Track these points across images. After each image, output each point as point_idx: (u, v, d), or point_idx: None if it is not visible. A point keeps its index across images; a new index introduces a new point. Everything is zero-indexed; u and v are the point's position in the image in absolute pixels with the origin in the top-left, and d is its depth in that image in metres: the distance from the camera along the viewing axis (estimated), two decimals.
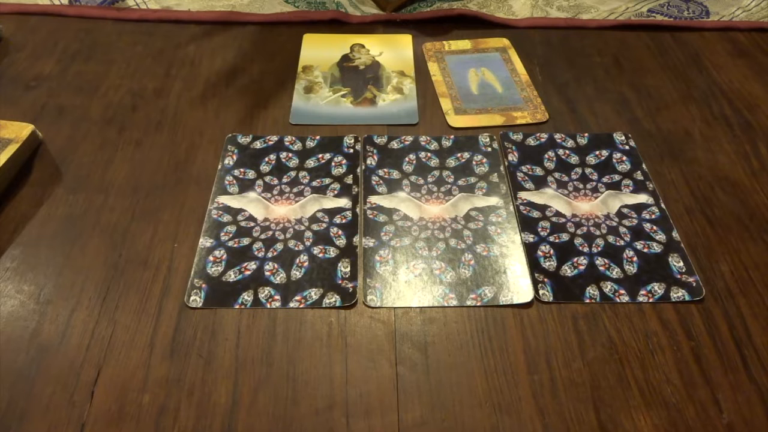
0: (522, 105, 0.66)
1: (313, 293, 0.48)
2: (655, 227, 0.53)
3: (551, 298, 0.48)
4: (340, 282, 0.49)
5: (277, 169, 0.58)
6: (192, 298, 0.47)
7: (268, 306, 0.47)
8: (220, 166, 0.58)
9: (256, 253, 0.51)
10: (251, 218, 0.53)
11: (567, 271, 0.49)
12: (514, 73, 0.70)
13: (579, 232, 0.53)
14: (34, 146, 0.59)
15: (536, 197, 0.55)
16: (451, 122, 0.63)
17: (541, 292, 0.48)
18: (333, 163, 0.59)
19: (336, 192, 0.56)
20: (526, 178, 0.57)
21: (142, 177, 0.57)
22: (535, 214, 0.54)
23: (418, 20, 0.78)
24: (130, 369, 0.43)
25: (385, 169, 0.58)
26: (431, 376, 0.43)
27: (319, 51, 0.73)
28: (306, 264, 0.50)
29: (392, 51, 0.73)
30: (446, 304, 0.47)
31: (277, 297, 0.48)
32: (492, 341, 0.45)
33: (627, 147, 0.60)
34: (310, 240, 0.52)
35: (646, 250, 0.51)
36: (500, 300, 0.47)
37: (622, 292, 0.48)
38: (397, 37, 0.75)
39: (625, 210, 0.54)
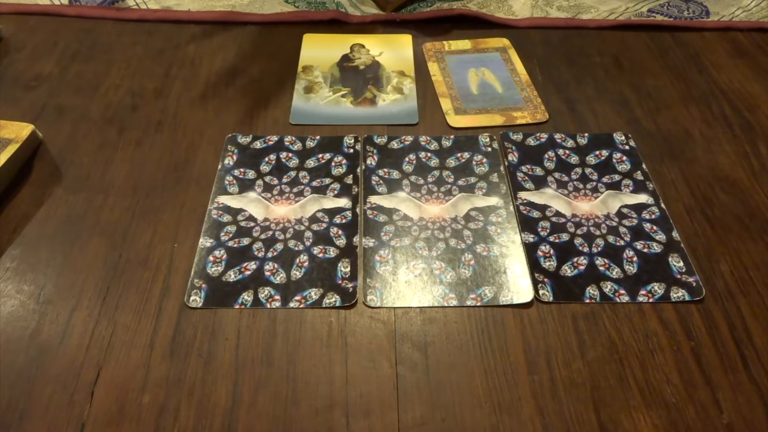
0: (522, 105, 0.66)
1: (313, 293, 0.48)
2: (655, 227, 0.53)
3: (551, 298, 0.48)
4: (340, 282, 0.49)
5: (277, 169, 0.58)
6: (192, 298, 0.47)
7: (268, 306, 0.47)
8: (220, 166, 0.58)
9: (256, 253, 0.51)
10: (251, 218, 0.53)
11: (567, 271, 0.49)
12: (514, 73, 0.70)
13: (579, 232, 0.52)
14: (34, 146, 0.59)
15: (536, 197, 0.55)
16: (451, 122, 0.63)
17: (541, 292, 0.48)
18: (333, 163, 0.59)
19: (336, 192, 0.56)
20: (526, 178, 0.57)
21: (142, 177, 0.57)
22: (535, 214, 0.54)
23: (418, 20, 0.78)
24: (130, 369, 0.43)
25: (385, 169, 0.58)
26: (431, 376, 0.43)
27: (319, 51, 0.73)
28: (306, 264, 0.50)
29: (392, 51, 0.73)
30: (446, 304, 0.47)
31: (277, 297, 0.48)
32: (492, 341, 0.45)
33: (627, 147, 0.60)
34: (310, 240, 0.52)
35: (646, 250, 0.51)
36: (500, 300, 0.47)
37: (622, 292, 0.48)
38: (397, 37, 0.75)
39: (625, 210, 0.54)
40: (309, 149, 0.60)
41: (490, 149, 0.60)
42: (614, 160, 0.59)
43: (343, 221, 0.53)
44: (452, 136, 0.62)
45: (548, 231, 0.52)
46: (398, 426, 0.41)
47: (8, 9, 0.77)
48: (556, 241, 0.52)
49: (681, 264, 0.50)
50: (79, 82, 0.68)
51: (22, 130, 0.58)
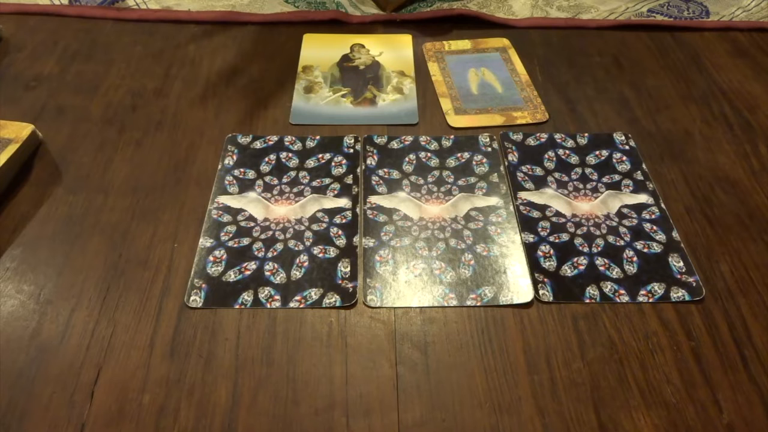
0: (522, 105, 0.66)
1: (313, 293, 0.48)
2: (655, 227, 0.53)
3: (551, 298, 0.48)
4: (340, 282, 0.49)
5: (277, 169, 0.58)
6: (192, 298, 0.47)
7: (268, 306, 0.47)
8: (220, 166, 0.58)
9: (256, 253, 0.51)
10: (251, 218, 0.53)
11: (567, 271, 0.49)
12: (514, 73, 0.70)
13: (579, 232, 0.53)
14: (34, 146, 0.59)
15: (536, 197, 0.55)
16: (451, 122, 0.64)
17: (541, 292, 0.48)
18: (333, 163, 0.59)
19: (336, 192, 0.56)
20: (526, 178, 0.57)
21: (142, 177, 0.57)
22: (535, 214, 0.54)
23: (418, 20, 0.78)
24: (130, 369, 0.43)
25: (385, 169, 0.58)
26: (431, 376, 0.43)
27: (319, 51, 0.73)
28: (306, 264, 0.50)
29: (392, 51, 0.73)
30: (446, 304, 0.47)
31: (277, 297, 0.48)
32: (492, 341, 0.45)
33: (627, 147, 0.60)
34: (310, 240, 0.52)
35: (646, 250, 0.51)
36: (500, 300, 0.47)
37: (622, 292, 0.48)
38: (397, 37, 0.75)
39: (625, 210, 0.54)
40: (309, 149, 0.60)
41: (490, 149, 0.60)
42: (614, 160, 0.59)
43: (343, 221, 0.53)
44: (452, 136, 0.62)
45: (548, 231, 0.52)
46: (398, 426, 0.41)
47: (8, 9, 0.77)
48: (556, 241, 0.52)
49: (681, 264, 0.50)
50: (79, 82, 0.68)
51: (22, 130, 0.58)
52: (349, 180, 0.57)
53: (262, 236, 0.52)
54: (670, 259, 0.50)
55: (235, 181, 0.57)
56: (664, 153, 0.60)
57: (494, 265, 0.50)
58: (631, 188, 0.56)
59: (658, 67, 0.71)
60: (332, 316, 0.47)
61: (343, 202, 0.55)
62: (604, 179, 0.57)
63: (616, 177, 0.57)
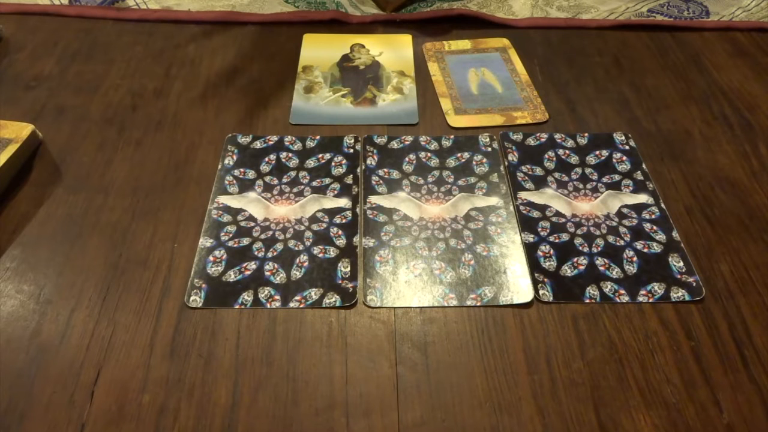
0: (522, 105, 0.66)
1: (313, 293, 0.48)
2: (655, 227, 0.53)
3: (551, 298, 0.48)
4: (340, 282, 0.49)
5: (277, 169, 0.58)
6: (192, 298, 0.47)
7: (268, 306, 0.47)
8: (220, 166, 0.58)
9: (256, 253, 0.51)
10: (251, 218, 0.53)
11: (567, 271, 0.49)
12: (514, 73, 0.70)
13: (579, 232, 0.53)
14: (34, 146, 0.59)
15: (536, 197, 0.55)
16: (451, 122, 0.64)
17: (541, 292, 0.48)
18: (333, 163, 0.59)
19: (336, 192, 0.56)
20: (526, 178, 0.57)
21: (142, 177, 0.57)
22: (535, 214, 0.54)
23: (418, 20, 0.78)
24: (130, 369, 0.43)
25: (385, 169, 0.58)
26: (431, 376, 0.43)
27: (319, 51, 0.73)
28: (306, 264, 0.50)
29: (392, 51, 0.73)
30: (446, 304, 0.47)
31: (277, 297, 0.48)
32: (492, 341, 0.45)
33: (627, 147, 0.60)
34: (310, 240, 0.52)
35: (646, 250, 0.51)
36: (500, 300, 0.47)
37: (622, 292, 0.48)
38: (397, 37, 0.75)
39: (625, 210, 0.54)
40: (309, 149, 0.60)
41: (490, 149, 0.60)
42: (614, 160, 0.59)
43: (343, 221, 0.53)
44: (452, 136, 0.62)
45: (548, 231, 0.52)
46: (398, 426, 0.41)
47: (8, 9, 0.77)
48: (556, 241, 0.52)
49: (681, 264, 0.50)
50: (79, 82, 0.68)
51: (22, 130, 0.58)
52: (349, 180, 0.57)
53: (262, 236, 0.52)
54: (670, 259, 0.50)
55: (235, 181, 0.57)
56: (664, 153, 0.60)
57: (494, 265, 0.50)
58: (631, 188, 0.56)
59: (658, 67, 0.71)
60: (332, 316, 0.47)
61: (343, 202, 0.55)
62: (604, 179, 0.57)
63: (616, 177, 0.57)
